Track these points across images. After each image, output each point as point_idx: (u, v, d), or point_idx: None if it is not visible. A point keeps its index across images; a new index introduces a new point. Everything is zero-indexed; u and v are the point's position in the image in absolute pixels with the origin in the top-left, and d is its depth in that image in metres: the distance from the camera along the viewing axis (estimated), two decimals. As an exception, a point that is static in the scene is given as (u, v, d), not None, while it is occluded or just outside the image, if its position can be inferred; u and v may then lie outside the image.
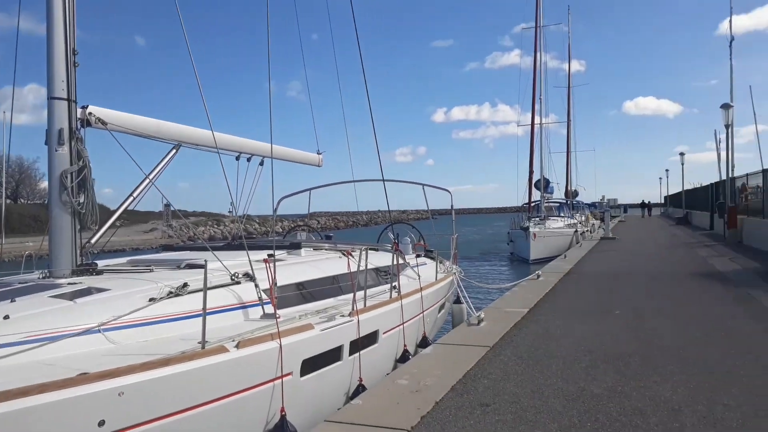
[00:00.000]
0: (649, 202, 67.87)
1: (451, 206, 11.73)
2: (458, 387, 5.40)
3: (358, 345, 6.39)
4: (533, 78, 36.07)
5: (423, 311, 8.58)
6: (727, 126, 24.25)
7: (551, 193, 40.45)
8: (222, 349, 4.62)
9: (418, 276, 8.99)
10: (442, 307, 10.54)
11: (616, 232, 31.24)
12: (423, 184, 11.45)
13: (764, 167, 21.23)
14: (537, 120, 36.72)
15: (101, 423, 3.71)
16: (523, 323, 8.26)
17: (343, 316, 6.30)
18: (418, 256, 11.14)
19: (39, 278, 5.87)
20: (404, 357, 7.59)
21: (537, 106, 36.56)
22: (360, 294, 6.85)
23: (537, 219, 32.63)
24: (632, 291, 11.06)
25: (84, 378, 3.67)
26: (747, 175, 23.50)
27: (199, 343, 4.55)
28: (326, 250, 8.91)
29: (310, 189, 11.85)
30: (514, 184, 51.11)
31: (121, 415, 3.84)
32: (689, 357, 6.17)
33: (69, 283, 5.40)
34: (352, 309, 6.41)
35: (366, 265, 7.08)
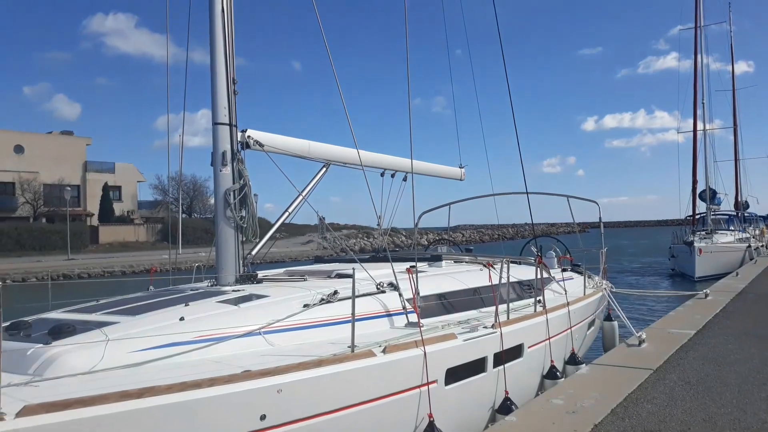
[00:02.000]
0: None
1: (599, 218, 11.20)
2: (618, 410, 5.15)
3: (502, 358, 6.31)
4: (694, 81, 33.35)
5: (571, 327, 8.27)
6: None
7: (718, 204, 36.89)
8: (370, 354, 4.83)
9: (564, 290, 8.70)
10: (591, 323, 10.08)
11: (800, 247, 27.84)
12: (568, 196, 11.05)
13: None
14: (699, 126, 33.88)
15: (263, 417, 4.04)
16: (690, 346, 7.67)
17: (485, 327, 6.27)
18: (563, 270, 10.76)
19: (208, 286, 6.51)
20: (552, 373, 7.36)
21: (699, 111, 33.75)
22: (502, 306, 6.78)
23: (702, 233, 30.02)
24: (822, 315, 9.82)
25: (247, 375, 4.02)
26: None
27: (348, 347, 4.80)
28: (467, 262, 8.93)
29: (450, 203, 11.97)
30: (675, 196, 47.42)
31: (280, 411, 4.15)
32: None
33: (233, 290, 5.95)
34: (495, 321, 6.35)
35: (508, 278, 7.00)
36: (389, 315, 6.04)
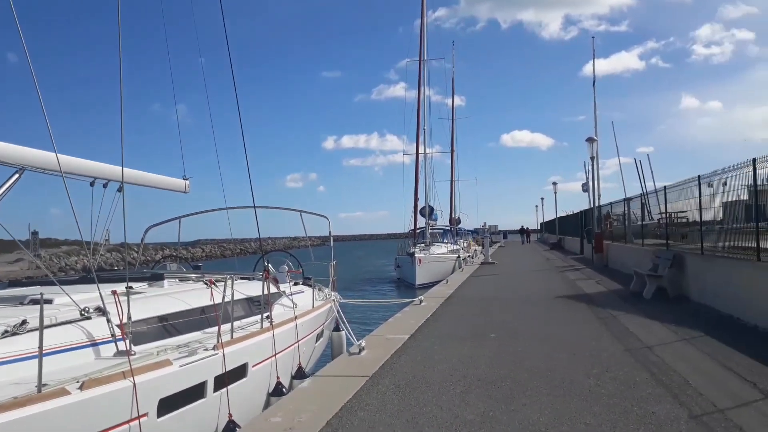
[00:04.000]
0: (527, 228, 71.59)
1: (329, 232, 11.70)
2: (334, 422, 5.26)
3: (224, 380, 6.10)
4: (417, 109, 37.22)
5: (298, 341, 8.41)
6: (592, 158, 26.27)
7: (436, 220, 41.63)
8: (63, 392, 4.20)
9: (294, 304, 8.84)
10: (320, 335, 10.39)
11: (496, 257, 32.63)
12: (300, 211, 11.31)
13: (626, 196, 23.18)
14: (421, 150, 37.85)
15: None
16: (403, 350, 8.29)
17: (206, 350, 6.02)
18: (295, 284, 10.97)
19: None
20: (278, 390, 7.35)
21: (421, 137, 37.71)
22: (226, 326, 6.60)
23: (422, 245, 33.41)
24: (508, 314, 11.49)
25: None
26: (611, 203, 25.47)
27: (36, 386, 4.11)
28: (193, 281, 8.52)
29: (179, 217, 11.31)
30: (401, 211, 52.61)
31: None
32: (556, 378, 6.44)
33: None
34: (217, 341, 6.14)
35: (232, 295, 6.83)
36: (95, 344, 5.35)
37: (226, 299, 6.76)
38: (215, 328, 6.48)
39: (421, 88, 37.51)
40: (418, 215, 37.85)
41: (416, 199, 37.50)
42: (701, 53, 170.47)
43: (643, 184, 24.91)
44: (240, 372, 6.65)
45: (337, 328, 11.18)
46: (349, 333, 9.24)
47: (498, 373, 6.76)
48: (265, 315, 7.79)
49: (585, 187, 32.23)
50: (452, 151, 54.38)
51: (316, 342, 10.17)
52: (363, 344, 8.28)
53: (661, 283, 12.92)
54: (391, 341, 8.90)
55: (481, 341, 8.76)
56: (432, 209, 38.89)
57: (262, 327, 7.52)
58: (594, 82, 30.26)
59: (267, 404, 7.24)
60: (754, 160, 9.11)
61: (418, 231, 37.14)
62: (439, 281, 21.21)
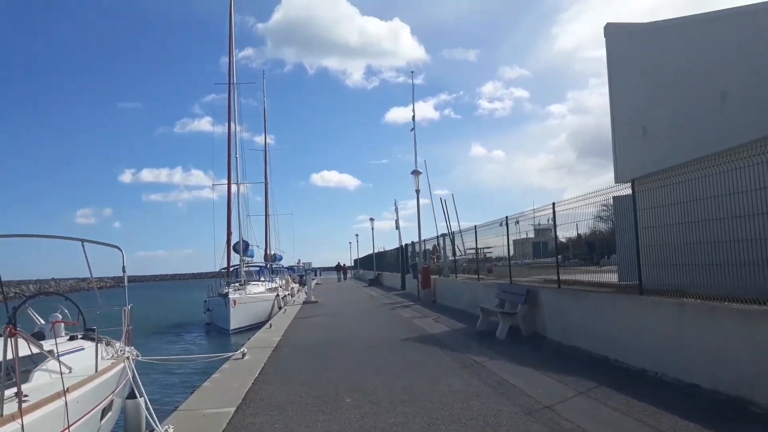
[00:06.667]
0: (344, 264, 70.68)
1: (123, 268, 8.86)
2: None
3: None
4: (228, 135, 34.08)
5: (69, 426, 5.59)
6: (417, 191, 25.68)
7: (251, 256, 38.56)
8: None
9: (67, 369, 6.08)
10: (108, 408, 7.47)
11: (317, 295, 30.61)
12: (82, 240, 8.39)
13: (438, 233, 22.88)
14: (233, 183, 34.80)
15: None
16: (229, 434, 5.80)
17: None
18: (72, 338, 7.99)
19: None
20: None
21: (233, 166, 34.72)
22: None
23: (237, 284, 30.24)
24: (354, 366, 9.41)
25: None
26: (436, 237, 24.99)
27: None
28: None
29: None
30: (211, 249, 48.56)
31: None
32: (464, 471, 4.47)
33: None
34: None
35: None
36: None
37: None
38: None
39: (232, 122, 34.53)
40: (232, 252, 34.59)
41: (229, 234, 34.19)
42: (486, 107, 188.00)
43: (447, 223, 25.08)
44: None
45: (132, 395, 8.33)
46: (148, 406, 6.47)
47: (378, 469, 4.62)
48: (13, 392, 4.98)
49: (397, 224, 32.38)
50: (266, 182, 51.73)
51: (102, 419, 7.26)
52: (170, 430, 5.66)
53: (514, 321, 11.82)
54: (211, 420, 6.35)
55: (336, 411, 6.55)
56: (247, 245, 35.81)
57: (2, 414, 4.71)
58: (413, 117, 29.82)
59: None
60: (633, 187, 8.22)
61: (231, 269, 33.84)
62: (259, 324, 18.70)
